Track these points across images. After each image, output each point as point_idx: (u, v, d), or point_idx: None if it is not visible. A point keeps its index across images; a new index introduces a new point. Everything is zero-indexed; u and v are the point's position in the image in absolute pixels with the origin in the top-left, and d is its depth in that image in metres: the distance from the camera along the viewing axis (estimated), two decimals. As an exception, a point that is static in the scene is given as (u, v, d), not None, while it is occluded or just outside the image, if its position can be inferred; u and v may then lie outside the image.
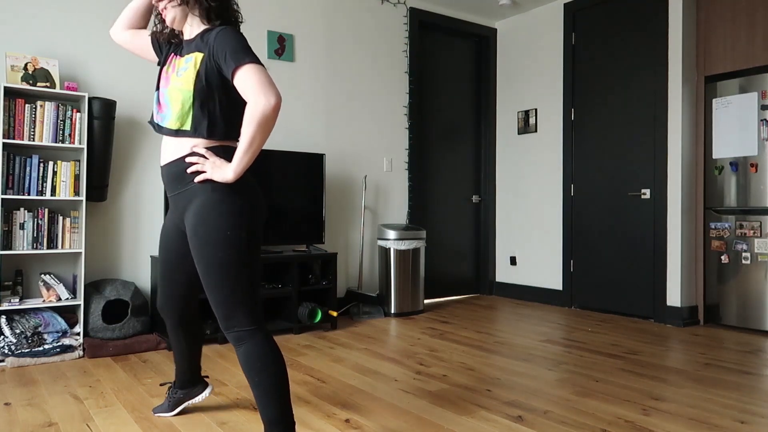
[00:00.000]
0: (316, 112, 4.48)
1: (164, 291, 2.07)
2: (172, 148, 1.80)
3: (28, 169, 3.17)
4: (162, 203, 3.77)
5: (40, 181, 3.20)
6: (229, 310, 1.70)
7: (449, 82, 5.38)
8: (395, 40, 4.93)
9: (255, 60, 1.64)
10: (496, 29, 5.56)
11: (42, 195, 3.20)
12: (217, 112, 1.76)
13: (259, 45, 4.20)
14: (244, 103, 1.78)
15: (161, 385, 2.32)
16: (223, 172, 1.68)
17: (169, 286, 2.05)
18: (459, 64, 5.45)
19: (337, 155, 4.60)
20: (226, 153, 1.78)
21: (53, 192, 3.23)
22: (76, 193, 3.29)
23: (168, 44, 1.95)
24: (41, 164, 3.20)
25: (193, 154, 1.76)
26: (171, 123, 1.78)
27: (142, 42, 2.02)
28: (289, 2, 4.35)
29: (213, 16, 1.80)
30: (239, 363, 1.73)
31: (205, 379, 2.36)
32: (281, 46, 4.29)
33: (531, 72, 5.23)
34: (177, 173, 1.79)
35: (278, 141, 4.29)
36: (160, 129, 1.83)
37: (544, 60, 5.12)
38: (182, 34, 1.90)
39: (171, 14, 1.82)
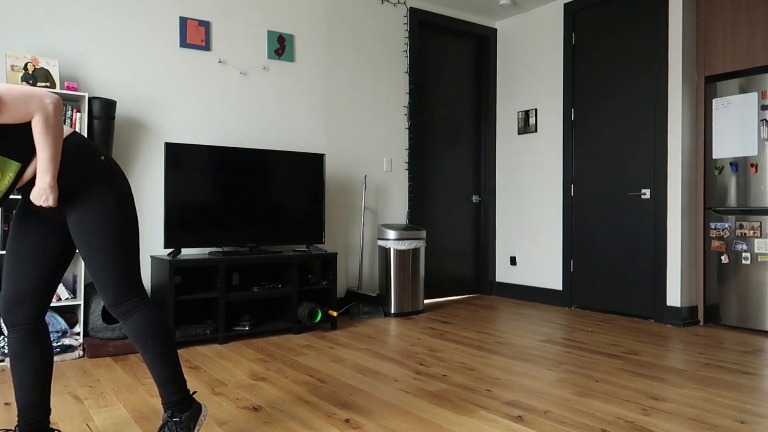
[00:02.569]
0: (316, 112, 4.48)
1: (19, 292, 1.79)
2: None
3: (28, 169, 3.16)
4: (162, 203, 3.77)
5: (40, 181, 3.19)
6: (122, 286, 1.79)
7: (449, 82, 5.38)
8: (395, 40, 4.93)
9: None
10: (496, 29, 5.56)
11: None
12: (13, 153, 1.65)
13: (259, 45, 4.20)
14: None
15: None
16: (43, 179, 1.64)
17: (26, 283, 1.79)
18: (459, 64, 5.45)
19: (337, 155, 4.60)
20: (66, 156, 1.73)
21: (53, 192, 3.22)
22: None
23: None
24: (41, 164, 3.19)
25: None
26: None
27: None
28: (289, 2, 4.35)
29: None
30: (128, 334, 1.83)
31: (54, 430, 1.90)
32: (281, 46, 4.29)
33: (531, 72, 5.23)
34: (31, 187, 1.74)
35: (278, 141, 4.29)
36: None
37: (544, 60, 5.12)
38: None
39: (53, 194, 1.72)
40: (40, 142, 1.62)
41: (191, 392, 1.99)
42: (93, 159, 1.79)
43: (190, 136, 3.92)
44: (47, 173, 1.64)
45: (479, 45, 5.57)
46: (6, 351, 2.98)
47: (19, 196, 3.12)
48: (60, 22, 3.46)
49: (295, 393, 2.57)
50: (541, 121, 5.14)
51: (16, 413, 2.29)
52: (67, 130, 1.78)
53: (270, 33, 4.24)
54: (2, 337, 3.01)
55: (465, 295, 5.49)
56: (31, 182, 1.73)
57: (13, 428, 1.89)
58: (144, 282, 3.71)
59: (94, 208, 1.75)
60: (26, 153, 1.67)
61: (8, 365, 2.96)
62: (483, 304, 5.06)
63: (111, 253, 1.76)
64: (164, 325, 1.85)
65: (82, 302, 3.23)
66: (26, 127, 1.65)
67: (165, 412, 1.86)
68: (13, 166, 1.66)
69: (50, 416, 1.90)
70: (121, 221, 1.79)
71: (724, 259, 4.08)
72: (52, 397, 2.49)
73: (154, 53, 3.79)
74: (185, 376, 1.96)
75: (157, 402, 2.44)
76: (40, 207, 1.75)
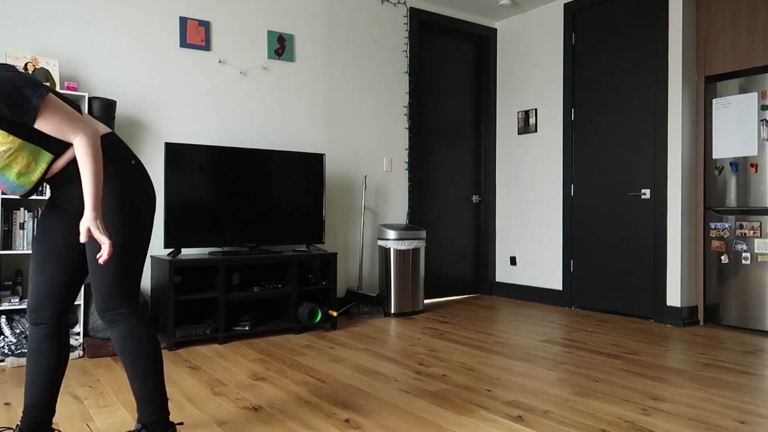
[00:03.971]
0: (316, 112, 4.48)
1: (43, 292, 1.80)
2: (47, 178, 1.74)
3: (28, 169, 3.16)
4: (162, 203, 3.77)
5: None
6: (110, 291, 1.73)
7: (449, 83, 5.38)
8: (395, 40, 4.93)
9: (41, 95, 1.55)
10: (496, 29, 5.56)
11: (42, 195, 3.20)
12: (49, 140, 1.67)
13: (259, 45, 4.20)
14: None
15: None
16: (89, 214, 1.60)
17: (50, 284, 1.79)
18: (459, 64, 5.45)
19: (337, 155, 4.60)
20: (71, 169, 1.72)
21: (53, 192, 3.23)
22: (76, 193, 3.28)
23: None
24: (41, 164, 3.19)
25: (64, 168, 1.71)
26: (24, 181, 1.67)
27: None
28: (289, 2, 4.35)
29: None
30: (114, 344, 1.78)
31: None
32: (281, 46, 4.29)
33: (531, 72, 5.23)
34: (56, 182, 1.76)
35: (278, 141, 4.29)
36: (24, 194, 1.72)
37: (544, 60, 5.12)
38: None
39: None
40: (82, 172, 1.60)
41: (173, 422, 1.89)
42: (123, 161, 1.77)
43: (190, 136, 3.92)
44: (91, 207, 1.59)
45: (479, 45, 5.57)
46: (6, 351, 2.98)
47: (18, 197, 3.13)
48: (60, 22, 3.46)
49: (295, 393, 2.57)
50: (541, 121, 5.14)
51: (19, 411, 2.29)
52: (104, 129, 1.78)
53: (270, 33, 4.24)
54: (2, 337, 3.01)
55: (465, 295, 5.49)
56: (61, 175, 1.73)
57: (15, 427, 1.90)
58: (144, 282, 3.71)
59: (105, 207, 1.72)
60: (61, 145, 1.68)
61: (8, 365, 2.96)
62: (483, 304, 5.06)
63: (114, 259, 1.72)
64: (149, 344, 1.77)
65: (82, 302, 3.23)
66: None
67: (138, 422, 1.80)
68: (46, 158, 1.66)
69: (53, 417, 1.88)
70: (128, 228, 1.74)
71: (724, 259, 4.08)
72: (52, 397, 2.49)
73: (154, 53, 3.79)
74: (168, 405, 1.85)
75: None
76: (66, 207, 1.80)
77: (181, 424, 2.00)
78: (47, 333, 1.80)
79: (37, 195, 3.17)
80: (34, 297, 1.80)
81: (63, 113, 1.58)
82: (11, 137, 1.59)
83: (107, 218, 1.71)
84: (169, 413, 1.83)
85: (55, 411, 1.86)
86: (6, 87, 1.53)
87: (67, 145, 1.69)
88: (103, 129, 1.78)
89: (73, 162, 1.72)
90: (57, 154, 1.69)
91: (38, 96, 1.54)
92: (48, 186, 1.81)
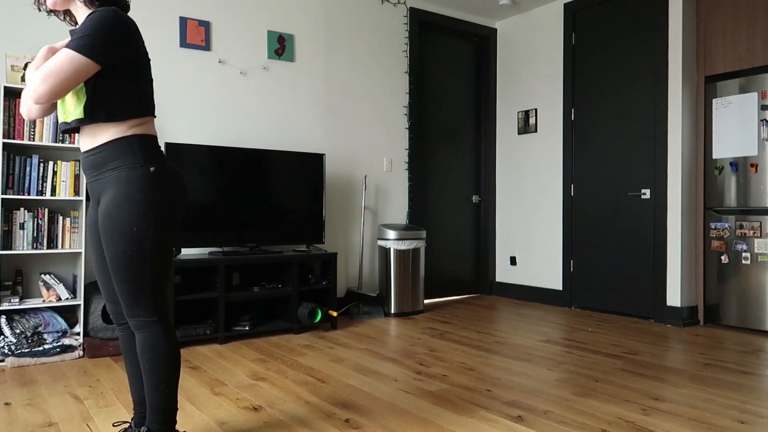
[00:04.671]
0: (316, 112, 4.48)
1: (112, 296, 1.87)
2: (87, 137, 1.75)
3: (28, 169, 3.17)
4: (162, 203, 3.76)
5: (40, 181, 3.20)
6: (132, 300, 1.71)
7: (449, 82, 5.38)
8: (395, 40, 4.93)
9: (80, 49, 1.59)
10: (496, 29, 5.56)
11: (42, 195, 3.20)
12: (109, 94, 1.69)
13: (259, 45, 4.20)
14: (142, 79, 1.76)
15: (115, 425, 2.10)
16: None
17: (109, 285, 1.86)
18: (459, 64, 5.45)
19: (337, 155, 4.60)
20: (140, 142, 1.72)
21: (53, 192, 3.23)
22: (76, 193, 3.29)
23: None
24: (41, 164, 3.20)
25: (109, 143, 1.71)
26: (67, 115, 1.72)
27: None
28: (289, 2, 4.35)
29: (95, 0, 1.73)
30: (137, 347, 1.76)
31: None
32: (281, 46, 4.29)
33: (531, 72, 5.23)
34: (94, 161, 1.74)
35: (278, 141, 4.29)
36: (65, 127, 1.76)
37: (544, 60, 5.12)
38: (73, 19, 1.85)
39: None
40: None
41: (179, 431, 1.86)
42: (150, 163, 1.73)
43: (190, 136, 3.92)
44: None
45: (479, 45, 5.57)
46: (6, 351, 2.98)
47: (21, 196, 3.12)
48: (60, 22, 3.46)
49: (295, 393, 2.57)
50: (541, 121, 5.14)
51: (19, 411, 2.29)
52: (147, 129, 1.77)
53: (270, 33, 4.24)
54: (2, 337, 3.01)
55: (465, 295, 5.49)
56: (93, 153, 1.73)
57: (130, 420, 2.08)
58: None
59: (123, 213, 1.68)
60: (111, 112, 1.69)
61: (8, 365, 2.96)
62: (483, 304, 5.06)
63: (126, 266, 1.68)
64: (167, 357, 1.74)
65: (82, 302, 3.23)
66: (122, 87, 1.71)
67: (145, 426, 1.78)
68: (83, 101, 1.68)
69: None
70: (145, 236, 1.68)
71: (724, 259, 4.08)
72: (52, 397, 2.49)
73: (154, 53, 3.79)
74: (177, 417, 1.85)
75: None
76: (93, 197, 1.79)
77: None
78: (130, 333, 1.90)
79: (39, 196, 3.17)
80: (106, 300, 1.88)
81: (66, 71, 1.58)
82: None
83: (124, 224, 1.67)
84: (176, 422, 1.81)
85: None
86: (88, 27, 1.62)
87: (108, 116, 1.69)
88: (144, 128, 1.76)
89: (107, 148, 1.70)
90: (91, 118, 1.69)
91: (80, 47, 1.59)
92: (82, 169, 1.82)
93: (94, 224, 1.85)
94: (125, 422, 1.99)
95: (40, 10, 1.84)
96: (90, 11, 1.73)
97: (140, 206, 1.68)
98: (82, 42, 1.59)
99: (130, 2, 1.84)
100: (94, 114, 1.69)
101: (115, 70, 1.68)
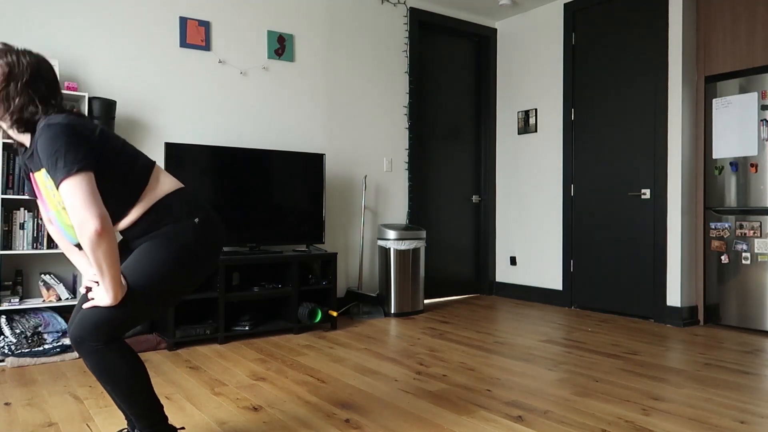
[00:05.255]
0: (316, 112, 4.48)
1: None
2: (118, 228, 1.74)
3: (28, 169, 3.16)
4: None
5: (40, 181, 3.19)
6: (91, 326, 1.60)
7: (449, 82, 5.38)
8: (395, 40, 4.93)
9: (70, 170, 1.50)
10: (496, 29, 5.56)
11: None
12: (108, 201, 1.64)
13: (259, 45, 4.20)
14: (119, 157, 1.69)
15: None
16: (104, 298, 1.59)
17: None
18: (459, 64, 5.45)
19: (337, 155, 4.60)
20: (157, 213, 1.71)
21: (53, 192, 3.23)
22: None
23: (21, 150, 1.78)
24: (41, 164, 3.19)
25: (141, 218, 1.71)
26: (71, 233, 1.71)
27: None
28: (289, 2, 4.35)
29: (22, 127, 1.62)
30: (90, 370, 1.68)
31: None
32: (281, 46, 4.29)
33: (531, 72, 5.23)
34: (135, 233, 1.74)
35: (278, 141, 4.29)
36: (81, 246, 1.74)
37: (544, 60, 5.12)
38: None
39: None
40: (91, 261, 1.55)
41: (175, 427, 1.81)
42: (184, 218, 1.73)
43: (190, 136, 3.92)
44: (107, 292, 1.57)
45: (479, 45, 5.57)
46: (6, 351, 2.98)
47: (21, 196, 3.12)
48: (60, 22, 3.46)
49: (295, 393, 2.57)
50: (541, 121, 5.14)
51: (19, 411, 2.29)
52: (173, 185, 1.78)
53: (270, 33, 4.24)
54: (2, 337, 3.01)
55: (465, 295, 5.49)
56: (128, 232, 1.74)
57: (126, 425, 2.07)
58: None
59: (146, 251, 1.67)
60: (116, 210, 1.68)
61: (8, 365, 2.97)
62: (483, 304, 5.06)
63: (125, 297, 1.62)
64: (125, 367, 1.65)
65: (82, 302, 3.23)
66: (120, 184, 1.68)
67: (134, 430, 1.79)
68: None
69: (163, 409, 1.85)
70: (151, 279, 1.65)
71: (724, 259, 4.08)
72: (52, 397, 2.49)
73: (154, 53, 3.79)
74: (165, 414, 1.79)
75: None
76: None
77: (183, 428, 1.95)
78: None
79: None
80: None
81: (83, 195, 1.51)
82: (62, 205, 1.62)
83: (142, 260, 1.66)
84: (166, 419, 1.78)
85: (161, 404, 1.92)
86: (50, 149, 1.52)
87: (124, 208, 1.69)
88: (172, 185, 1.77)
89: (141, 222, 1.71)
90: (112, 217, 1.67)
91: (67, 170, 1.50)
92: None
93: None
94: (125, 429, 1.99)
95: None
96: (29, 134, 1.65)
97: (175, 252, 1.68)
98: (65, 166, 1.50)
99: (60, 101, 1.69)
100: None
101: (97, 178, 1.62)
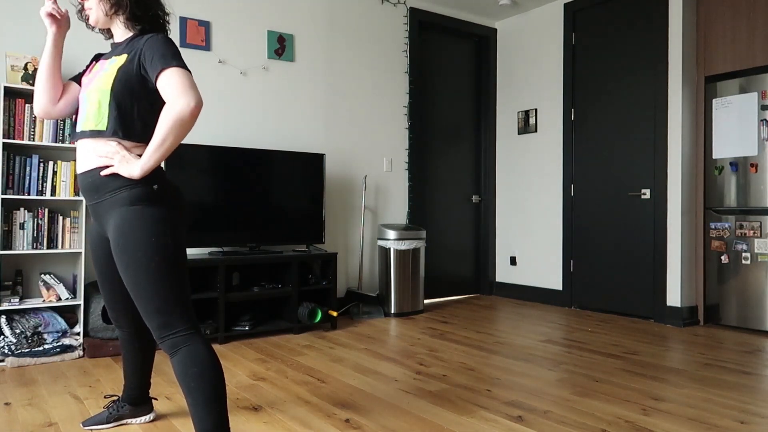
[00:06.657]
0: (316, 112, 4.48)
1: (113, 305, 2.00)
2: (87, 156, 1.74)
3: (28, 169, 3.17)
4: (162, 203, 3.76)
5: (40, 181, 3.20)
6: (165, 317, 1.63)
7: (449, 83, 5.38)
8: (395, 40, 4.93)
9: (181, 65, 1.65)
10: (496, 29, 5.56)
11: (42, 195, 3.20)
12: (134, 113, 1.72)
13: (259, 45, 4.20)
14: (157, 108, 1.76)
15: (106, 397, 2.21)
16: (130, 167, 1.65)
17: (116, 300, 1.98)
18: (459, 64, 5.45)
19: (337, 155, 4.60)
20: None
21: (53, 192, 3.23)
22: (76, 193, 3.29)
23: (93, 59, 1.95)
24: (41, 164, 3.20)
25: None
26: (86, 124, 1.74)
27: (76, 93, 1.95)
28: (289, 2, 4.35)
29: (138, 23, 1.80)
30: (174, 371, 1.65)
31: (153, 401, 2.24)
32: (281, 46, 4.29)
33: (531, 72, 5.23)
34: (93, 183, 1.73)
35: (278, 141, 4.29)
36: (74, 135, 1.79)
37: (544, 60, 5.12)
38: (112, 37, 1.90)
39: (94, 15, 1.80)
40: (160, 131, 1.61)
41: None
42: (159, 181, 1.75)
43: (190, 135, 3.92)
44: (140, 162, 1.64)
45: (479, 45, 5.57)
46: (6, 351, 2.98)
47: (21, 196, 3.12)
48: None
49: (295, 393, 2.57)
50: (541, 121, 5.14)
51: (19, 411, 2.29)
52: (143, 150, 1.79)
53: (270, 33, 4.24)
54: (2, 337, 3.01)
55: (465, 295, 5.49)
56: (91, 175, 1.74)
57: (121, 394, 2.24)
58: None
59: (139, 228, 1.66)
60: (125, 131, 1.72)
61: (8, 365, 2.97)
62: (483, 304, 5.06)
63: (151, 281, 1.63)
64: (212, 368, 1.64)
65: (82, 302, 3.23)
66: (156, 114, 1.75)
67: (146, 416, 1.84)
68: (105, 113, 1.71)
69: (149, 389, 2.17)
70: (165, 247, 1.66)
71: (724, 259, 4.08)
72: (52, 397, 2.49)
73: (154, 53, 3.78)
74: None
75: (158, 402, 2.44)
76: (98, 221, 1.81)
77: None
78: (131, 335, 2.07)
79: (39, 196, 3.17)
80: (108, 308, 2.03)
81: (191, 80, 1.63)
82: (111, 85, 1.70)
83: (143, 244, 1.65)
84: None
85: (150, 384, 2.18)
86: (164, 46, 1.68)
87: (132, 140, 1.73)
88: (142, 149, 1.77)
89: (113, 177, 1.70)
90: (112, 132, 1.70)
91: (180, 64, 1.65)
92: (80, 191, 1.83)
93: (97, 241, 1.91)
94: (114, 395, 2.17)
95: (87, 25, 1.88)
96: (131, 33, 1.81)
97: (150, 220, 1.67)
98: (175, 60, 1.65)
99: (169, 28, 1.91)
100: (114, 129, 1.70)
101: (146, 92, 1.73)
